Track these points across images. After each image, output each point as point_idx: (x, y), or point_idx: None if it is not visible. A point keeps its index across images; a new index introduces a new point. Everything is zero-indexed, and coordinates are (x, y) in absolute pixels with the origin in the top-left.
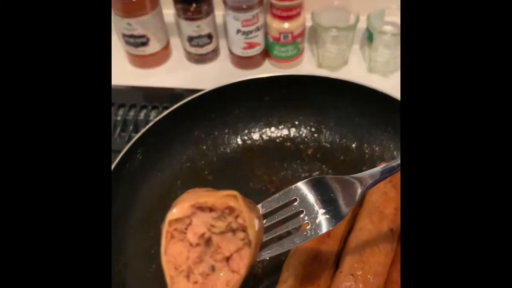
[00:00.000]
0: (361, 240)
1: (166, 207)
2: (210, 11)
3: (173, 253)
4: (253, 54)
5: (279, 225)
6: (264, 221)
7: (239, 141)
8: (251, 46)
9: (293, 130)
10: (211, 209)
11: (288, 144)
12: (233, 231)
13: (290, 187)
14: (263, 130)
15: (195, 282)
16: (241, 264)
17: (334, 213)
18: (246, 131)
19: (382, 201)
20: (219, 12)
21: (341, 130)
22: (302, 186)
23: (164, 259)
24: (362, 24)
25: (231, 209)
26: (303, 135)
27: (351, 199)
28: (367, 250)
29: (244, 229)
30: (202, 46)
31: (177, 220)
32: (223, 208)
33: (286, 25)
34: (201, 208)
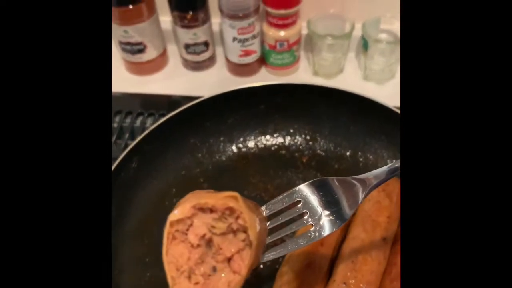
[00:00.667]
0: (354, 248)
1: (161, 215)
2: (207, 19)
3: (175, 254)
4: (249, 61)
5: (283, 227)
6: (268, 223)
7: (234, 149)
8: (247, 53)
9: (288, 138)
10: (211, 210)
11: (283, 152)
12: (234, 232)
13: (294, 189)
14: (258, 138)
15: (197, 283)
16: (242, 264)
17: (337, 215)
18: (241, 139)
19: (375, 209)
20: (215, 20)
21: (336, 138)
22: (305, 188)
23: (165, 260)
24: (358, 32)
25: (231, 210)
26: (298, 143)
27: (354, 200)
28: (360, 259)
29: (245, 230)
30: (198, 53)
31: (178, 221)
32: (223, 209)
33: (282, 33)
34: (202, 209)
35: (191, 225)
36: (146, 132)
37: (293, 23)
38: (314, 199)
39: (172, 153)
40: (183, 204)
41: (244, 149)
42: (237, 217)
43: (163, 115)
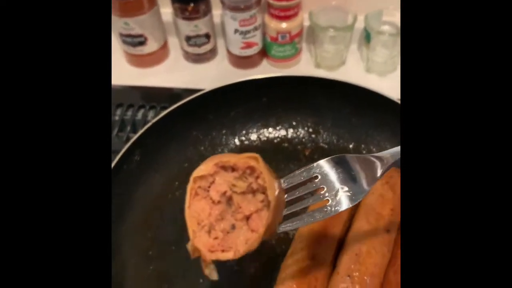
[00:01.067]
0: (358, 241)
1: (163, 208)
2: (208, 11)
3: (197, 209)
4: (251, 53)
5: (300, 201)
6: (286, 195)
7: (237, 141)
8: (248, 45)
9: (290, 130)
10: (233, 169)
11: (286, 145)
12: (253, 192)
13: (312, 164)
14: (261, 131)
15: (216, 238)
16: (260, 224)
17: (354, 191)
18: (243, 132)
19: (378, 202)
20: (216, 12)
21: (338, 131)
22: (324, 163)
23: (187, 214)
24: (360, 24)
25: (252, 169)
26: (301, 135)
27: (372, 177)
28: (364, 251)
29: (263, 191)
30: (199, 45)
31: (201, 177)
32: (244, 168)
33: (284, 25)
34: (224, 167)
35: (213, 182)
36: (148, 125)
37: (295, 14)
38: (332, 175)
39: (175, 146)
40: (206, 163)
41: (246, 142)
42: (257, 177)
43: (165, 108)
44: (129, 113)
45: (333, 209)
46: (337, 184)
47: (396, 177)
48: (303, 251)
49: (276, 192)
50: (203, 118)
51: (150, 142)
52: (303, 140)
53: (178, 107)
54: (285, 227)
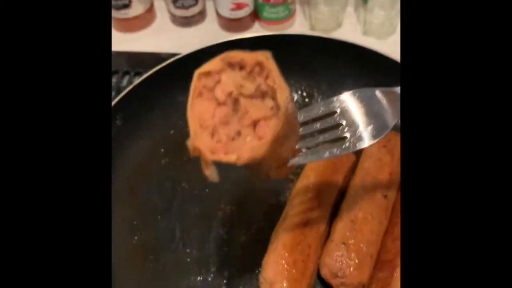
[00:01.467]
0: (353, 207)
1: (149, 176)
2: None
3: (200, 110)
4: (241, 16)
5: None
6: (301, 129)
7: None
8: (239, 7)
9: None
10: (241, 67)
11: None
12: (262, 96)
13: (333, 97)
14: None
15: (219, 141)
16: (268, 132)
17: (377, 126)
18: None
19: (376, 167)
20: None
21: (334, 94)
22: (345, 97)
23: (190, 114)
24: None
25: (261, 67)
26: (294, 100)
27: (397, 111)
28: (359, 218)
29: (273, 96)
30: (187, 7)
31: (206, 75)
32: (253, 64)
33: None
34: (231, 64)
35: (218, 81)
36: (130, 87)
37: None
38: (354, 109)
39: (159, 112)
40: (212, 59)
41: None
42: (266, 77)
43: None
44: (114, 79)
45: (352, 145)
46: (359, 119)
47: (394, 140)
48: (295, 218)
49: (288, 98)
50: (188, 82)
51: (133, 106)
52: (297, 105)
53: (160, 69)
54: (299, 159)
